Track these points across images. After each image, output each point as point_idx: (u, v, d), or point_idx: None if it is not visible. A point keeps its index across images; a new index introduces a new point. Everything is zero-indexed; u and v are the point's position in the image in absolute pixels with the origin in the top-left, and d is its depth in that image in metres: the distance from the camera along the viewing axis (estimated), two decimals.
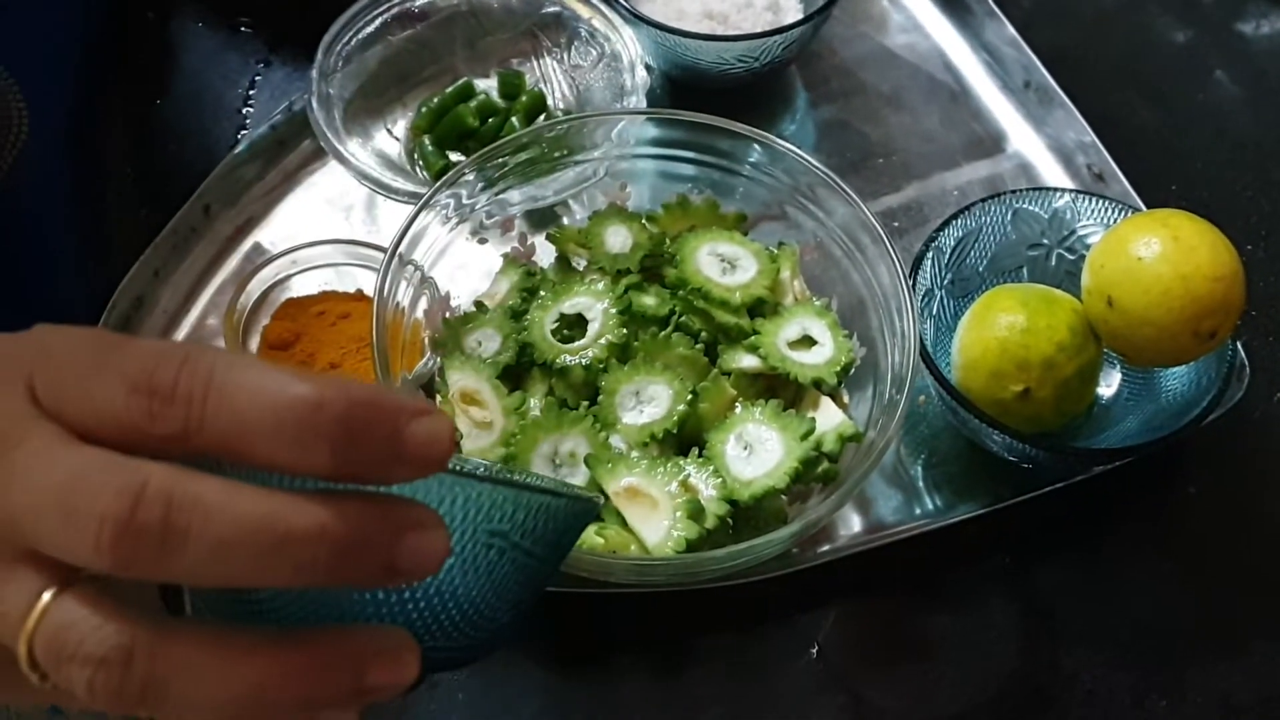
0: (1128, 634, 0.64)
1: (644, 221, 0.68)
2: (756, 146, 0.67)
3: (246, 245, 0.74)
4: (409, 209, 0.74)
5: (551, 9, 0.79)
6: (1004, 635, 0.64)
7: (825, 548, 0.65)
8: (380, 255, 0.70)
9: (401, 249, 0.61)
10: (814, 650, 0.63)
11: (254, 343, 0.68)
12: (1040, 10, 0.89)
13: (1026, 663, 0.63)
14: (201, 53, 0.85)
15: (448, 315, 0.66)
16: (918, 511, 0.67)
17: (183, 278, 0.71)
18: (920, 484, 0.68)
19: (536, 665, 0.62)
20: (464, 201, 0.65)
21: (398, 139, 0.77)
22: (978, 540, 0.66)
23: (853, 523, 0.66)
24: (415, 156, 0.77)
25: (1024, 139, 0.82)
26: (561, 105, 0.80)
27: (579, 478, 0.60)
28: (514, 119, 0.77)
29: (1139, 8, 0.91)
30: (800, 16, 0.83)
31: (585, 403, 0.63)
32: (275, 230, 0.75)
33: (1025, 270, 0.71)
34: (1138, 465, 0.66)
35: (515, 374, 0.64)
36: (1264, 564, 0.67)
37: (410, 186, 0.70)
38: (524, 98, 0.79)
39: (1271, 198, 0.81)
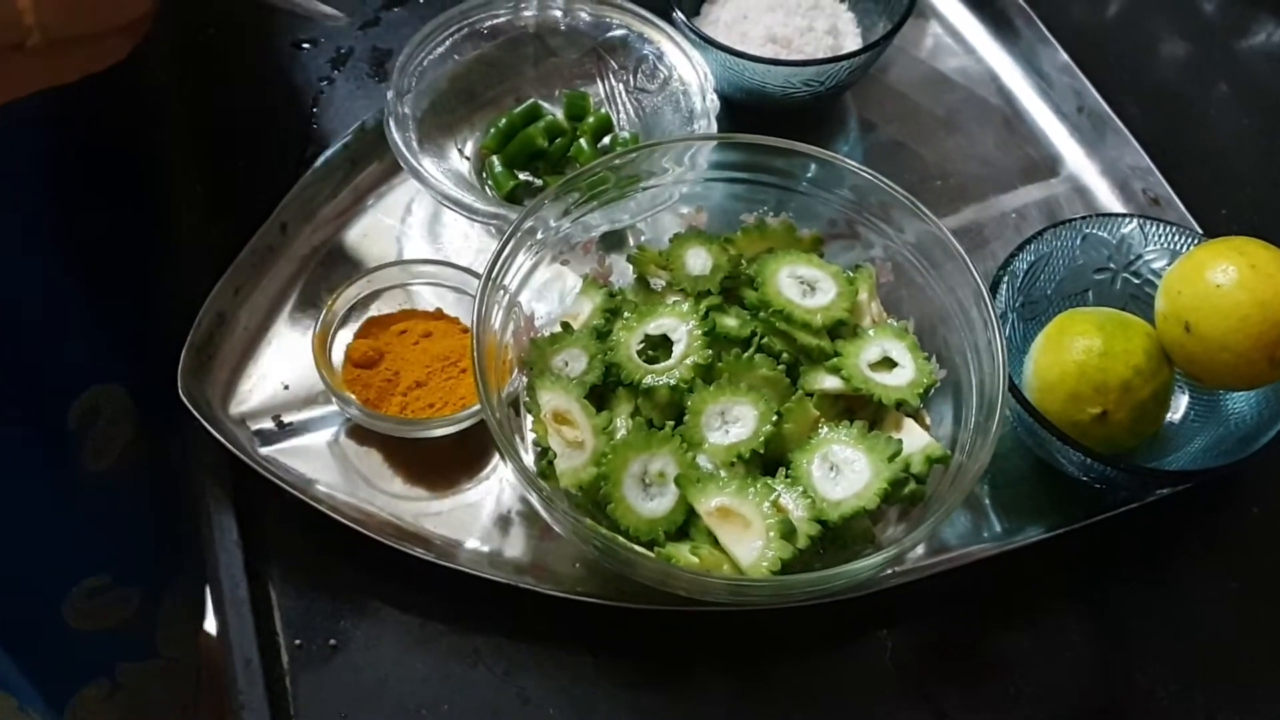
0: (1200, 651, 0.65)
1: (723, 243, 0.69)
2: (819, 166, 0.68)
3: (322, 262, 0.74)
4: (474, 227, 0.77)
5: (618, 32, 0.80)
6: (1079, 653, 0.65)
7: (897, 569, 0.66)
8: (452, 273, 0.71)
9: (494, 274, 0.62)
10: (892, 666, 0.64)
11: (338, 359, 0.69)
12: (1088, 34, 0.90)
13: (1101, 680, 0.64)
14: (264, 70, 0.86)
15: (534, 336, 0.66)
16: (985, 535, 0.68)
17: (261, 295, 0.72)
18: (987, 502, 0.69)
19: (618, 683, 0.63)
20: (549, 225, 0.66)
21: (467, 158, 0.78)
22: (1049, 559, 0.67)
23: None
24: (484, 175, 0.78)
25: (1079, 163, 0.83)
26: (627, 127, 0.81)
27: (669, 497, 0.61)
28: (581, 140, 0.78)
29: (1185, 36, 0.93)
30: (857, 39, 0.84)
31: (670, 422, 0.64)
32: (349, 248, 0.75)
33: (1091, 293, 0.72)
34: (1200, 486, 0.68)
35: (599, 393, 0.65)
36: None
37: (488, 207, 0.70)
38: (590, 119, 0.80)
39: None
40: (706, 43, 0.78)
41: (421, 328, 0.70)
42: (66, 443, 0.75)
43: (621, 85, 0.82)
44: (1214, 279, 0.62)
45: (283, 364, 0.70)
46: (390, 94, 0.73)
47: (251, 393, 0.69)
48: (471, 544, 0.65)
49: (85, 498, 0.79)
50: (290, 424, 0.68)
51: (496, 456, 0.68)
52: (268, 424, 0.68)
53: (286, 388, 0.69)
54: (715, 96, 0.76)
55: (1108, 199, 0.82)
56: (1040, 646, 0.65)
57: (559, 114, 0.80)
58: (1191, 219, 0.78)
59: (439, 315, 0.71)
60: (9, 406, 0.70)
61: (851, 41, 0.84)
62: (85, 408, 0.75)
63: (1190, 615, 0.67)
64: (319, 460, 0.67)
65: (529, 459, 0.64)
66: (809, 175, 0.69)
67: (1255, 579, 0.68)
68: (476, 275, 0.69)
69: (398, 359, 0.68)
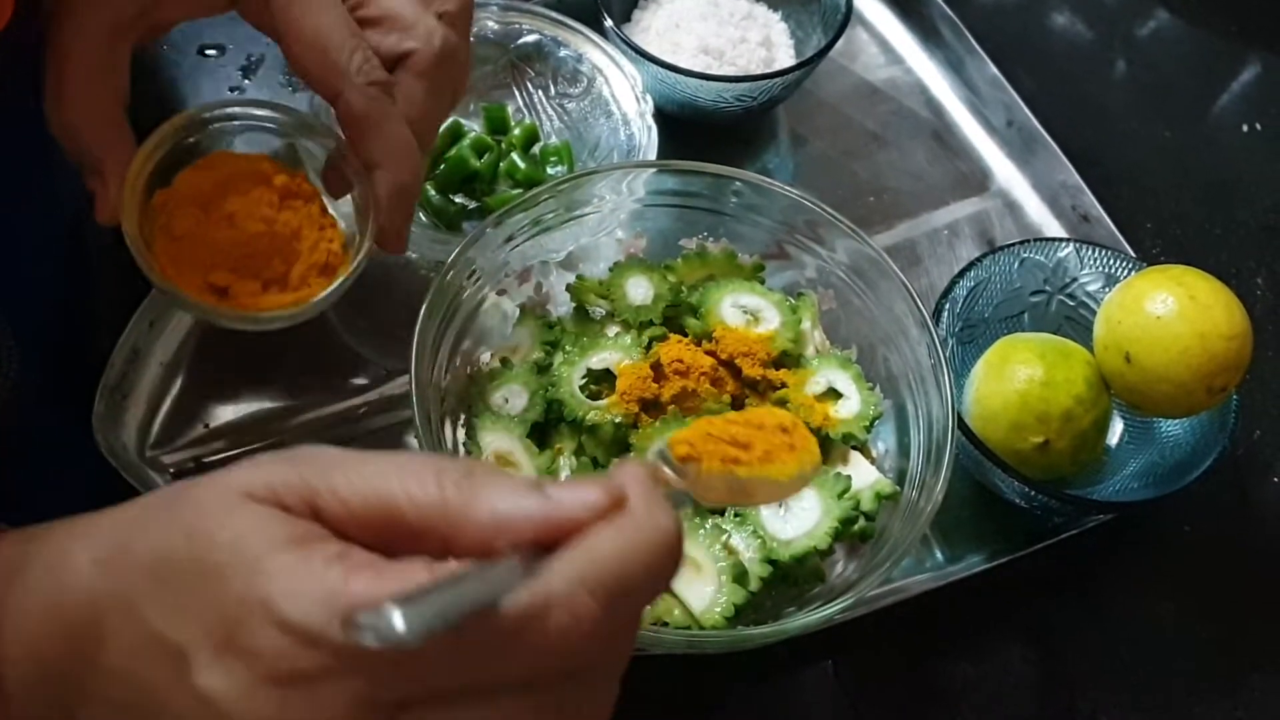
0: (1138, 674, 0.66)
1: (664, 271, 0.67)
2: (750, 189, 0.67)
3: None
4: None
5: (530, 38, 0.78)
6: (1021, 679, 0.66)
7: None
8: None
9: (434, 303, 0.59)
10: (837, 695, 0.64)
11: None
12: (1015, 46, 0.90)
13: (1046, 707, 0.65)
14: (170, 78, 0.81)
15: (471, 370, 0.64)
16: (928, 564, 0.67)
17: (178, 328, 0.68)
18: (928, 531, 0.69)
19: None
20: (488, 254, 0.63)
21: None
22: (990, 584, 0.67)
23: None
24: (419, 205, 0.74)
25: (1010, 177, 0.83)
26: (554, 135, 0.79)
27: None
28: (513, 155, 0.75)
29: (1109, 48, 0.94)
30: (790, 50, 0.83)
31: (614, 459, 0.62)
32: None
33: (1026, 315, 0.72)
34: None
35: (542, 429, 0.63)
36: (1256, 598, 0.70)
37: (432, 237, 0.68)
38: (517, 131, 0.77)
39: (1238, 235, 0.84)
40: (639, 54, 0.75)
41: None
42: None
43: (541, 92, 0.80)
44: (1153, 310, 0.62)
45: (201, 401, 0.66)
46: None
47: (168, 433, 0.65)
48: None
49: None
50: (210, 465, 0.65)
51: None
52: (188, 467, 0.64)
53: (206, 427, 0.66)
54: (649, 97, 0.74)
55: (1038, 214, 0.82)
56: (983, 672, 0.66)
57: (478, 129, 0.77)
58: (1120, 236, 0.79)
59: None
60: None
61: (785, 53, 0.82)
62: None
63: (1128, 637, 0.68)
64: None
65: None
66: (740, 198, 0.68)
67: (1188, 598, 0.69)
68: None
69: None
